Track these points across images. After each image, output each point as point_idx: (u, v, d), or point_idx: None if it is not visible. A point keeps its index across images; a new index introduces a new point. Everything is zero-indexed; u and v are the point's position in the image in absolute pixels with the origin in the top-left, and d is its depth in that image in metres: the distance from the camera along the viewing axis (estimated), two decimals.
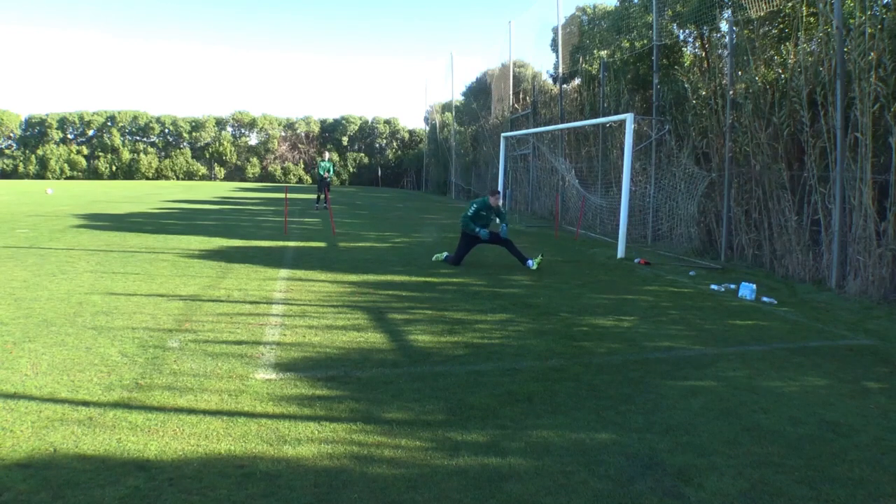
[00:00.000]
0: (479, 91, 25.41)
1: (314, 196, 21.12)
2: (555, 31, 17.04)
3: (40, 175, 37.12)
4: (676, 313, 6.13)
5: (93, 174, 38.44)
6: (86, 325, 4.93)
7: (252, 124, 41.46)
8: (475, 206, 8.52)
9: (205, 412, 3.29)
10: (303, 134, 41.75)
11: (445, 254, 8.94)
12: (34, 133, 38.77)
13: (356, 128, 41.90)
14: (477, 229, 8.43)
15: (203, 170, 39.45)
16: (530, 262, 8.44)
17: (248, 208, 18.84)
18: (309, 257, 9.02)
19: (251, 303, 5.93)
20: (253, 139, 41.92)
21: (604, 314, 5.95)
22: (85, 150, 39.21)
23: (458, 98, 28.75)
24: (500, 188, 15.71)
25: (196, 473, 2.65)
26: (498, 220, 8.89)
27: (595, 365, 4.33)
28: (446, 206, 23.15)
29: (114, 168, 39.04)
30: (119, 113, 39.65)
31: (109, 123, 39.57)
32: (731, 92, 9.35)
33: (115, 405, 3.35)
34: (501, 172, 16.67)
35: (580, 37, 15.68)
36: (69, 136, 39.51)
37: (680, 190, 10.53)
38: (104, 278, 6.86)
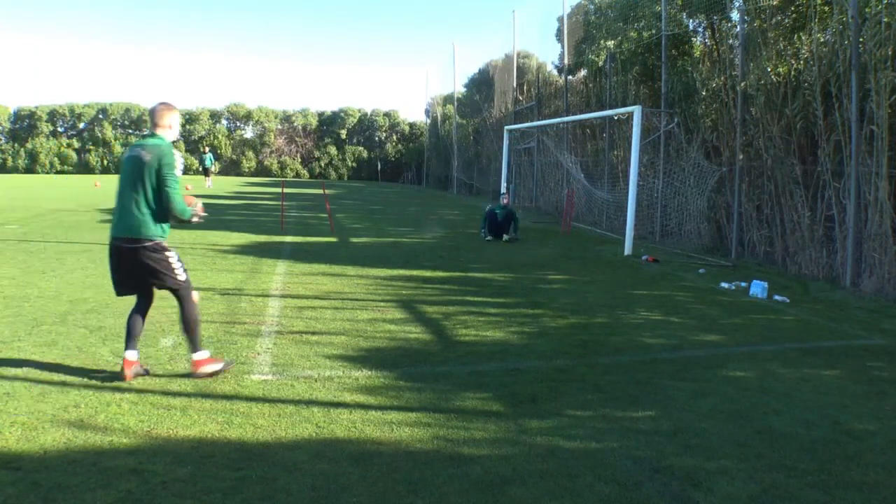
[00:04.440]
0: (482, 83, 25.09)
1: (312, 192, 21.33)
2: (560, 20, 16.83)
3: (30, 169, 36.43)
4: (685, 312, 6.03)
5: (83, 168, 37.69)
6: (77, 323, 4.86)
7: (248, 117, 40.50)
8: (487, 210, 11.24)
9: (199, 414, 3.23)
10: (300, 127, 41.03)
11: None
12: (23, 126, 37.62)
13: (355, 120, 41.07)
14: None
15: (195, 163, 38.50)
16: (505, 237, 10.93)
17: (244, 202, 18.84)
18: (306, 254, 8.89)
19: (247, 301, 5.84)
20: (248, 132, 41.10)
21: (610, 313, 5.86)
22: (75, 144, 38.02)
23: (460, 90, 28.35)
24: (503, 183, 15.74)
25: (190, 477, 2.59)
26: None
27: (601, 365, 4.24)
28: (448, 201, 23.05)
29: (105, 162, 37.93)
30: (111, 105, 38.37)
31: (101, 116, 38.26)
32: (742, 83, 9.17)
33: (107, 406, 3.29)
34: (504, 167, 16.56)
35: (586, 27, 15.48)
36: (59, 129, 38.27)
37: (689, 185, 10.37)
38: (96, 275, 6.72)
